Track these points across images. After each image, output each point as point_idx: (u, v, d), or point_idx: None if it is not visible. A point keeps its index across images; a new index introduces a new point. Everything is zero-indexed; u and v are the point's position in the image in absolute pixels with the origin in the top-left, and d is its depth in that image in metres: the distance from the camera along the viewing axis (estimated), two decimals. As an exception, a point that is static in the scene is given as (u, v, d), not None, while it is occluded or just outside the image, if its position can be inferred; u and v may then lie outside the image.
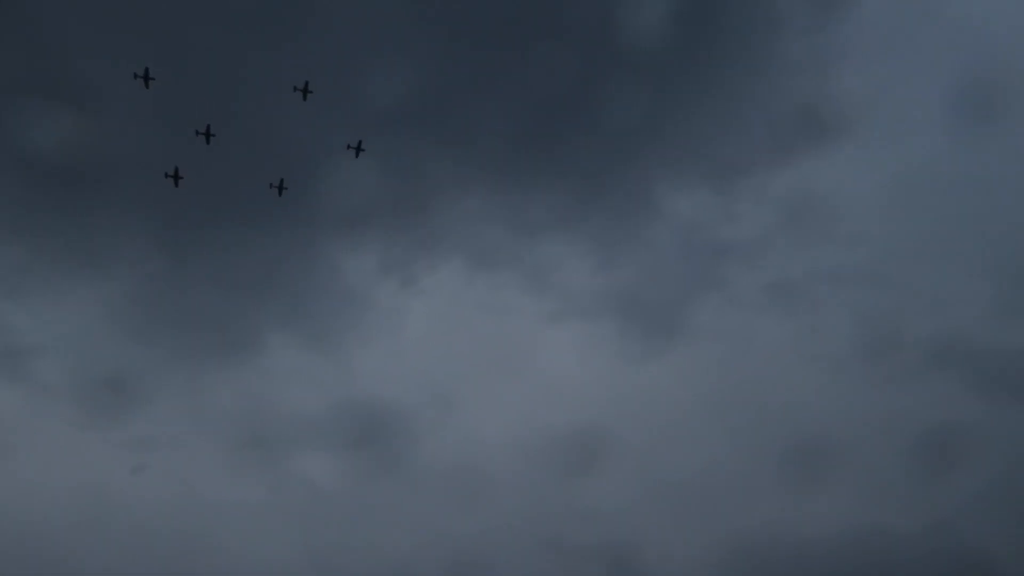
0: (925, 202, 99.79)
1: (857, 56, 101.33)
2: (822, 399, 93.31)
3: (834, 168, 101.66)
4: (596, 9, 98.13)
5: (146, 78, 77.10)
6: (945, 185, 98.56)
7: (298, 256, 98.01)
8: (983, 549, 78.85)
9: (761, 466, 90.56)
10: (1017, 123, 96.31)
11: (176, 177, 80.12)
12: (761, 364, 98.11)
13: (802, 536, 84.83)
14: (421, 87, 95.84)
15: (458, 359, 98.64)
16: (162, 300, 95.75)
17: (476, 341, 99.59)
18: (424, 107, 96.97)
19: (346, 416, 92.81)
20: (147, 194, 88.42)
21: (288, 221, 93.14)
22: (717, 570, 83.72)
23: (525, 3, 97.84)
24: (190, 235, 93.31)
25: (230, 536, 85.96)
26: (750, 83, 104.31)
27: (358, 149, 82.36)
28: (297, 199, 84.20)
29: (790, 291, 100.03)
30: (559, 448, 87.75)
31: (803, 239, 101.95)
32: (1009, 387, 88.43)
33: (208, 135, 79.06)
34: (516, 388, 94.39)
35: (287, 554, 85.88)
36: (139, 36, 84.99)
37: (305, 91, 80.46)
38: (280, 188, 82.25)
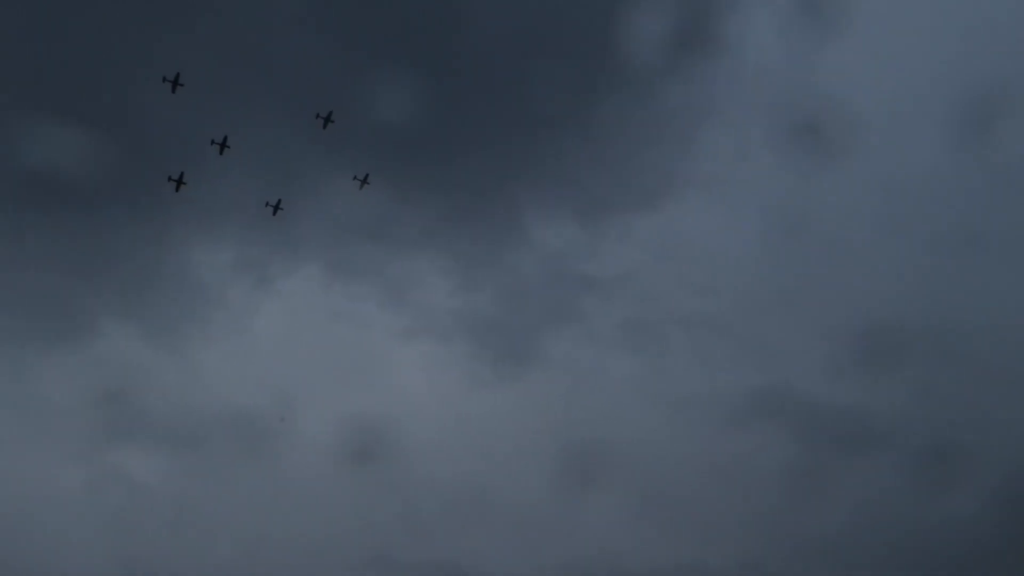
0: (778, 259, 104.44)
1: (729, 112, 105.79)
2: (660, 437, 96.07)
3: (697, 218, 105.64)
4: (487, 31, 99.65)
5: (175, 83, 76.68)
6: (801, 242, 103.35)
7: (148, 244, 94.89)
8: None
9: (596, 498, 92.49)
10: (866, 178, 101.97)
11: (179, 182, 79.01)
12: (607, 399, 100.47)
13: (627, 569, 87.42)
14: (301, 85, 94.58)
15: (304, 366, 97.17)
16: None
17: (325, 350, 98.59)
18: (303, 108, 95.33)
19: (181, 414, 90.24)
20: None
21: (142, 208, 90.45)
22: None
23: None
24: (31, 217, 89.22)
25: (39, 531, 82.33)
26: (627, 127, 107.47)
27: (223, 145, 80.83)
28: (158, 188, 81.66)
29: (643, 331, 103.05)
30: (394, 463, 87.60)
31: (661, 282, 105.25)
32: (831, 440, 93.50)
33: (224, 145, 78.91)
34: (360, 401, 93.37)
35: (100, 551, 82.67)
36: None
37: (175, 83, 78.46)
38: (179, 183, 79.87)
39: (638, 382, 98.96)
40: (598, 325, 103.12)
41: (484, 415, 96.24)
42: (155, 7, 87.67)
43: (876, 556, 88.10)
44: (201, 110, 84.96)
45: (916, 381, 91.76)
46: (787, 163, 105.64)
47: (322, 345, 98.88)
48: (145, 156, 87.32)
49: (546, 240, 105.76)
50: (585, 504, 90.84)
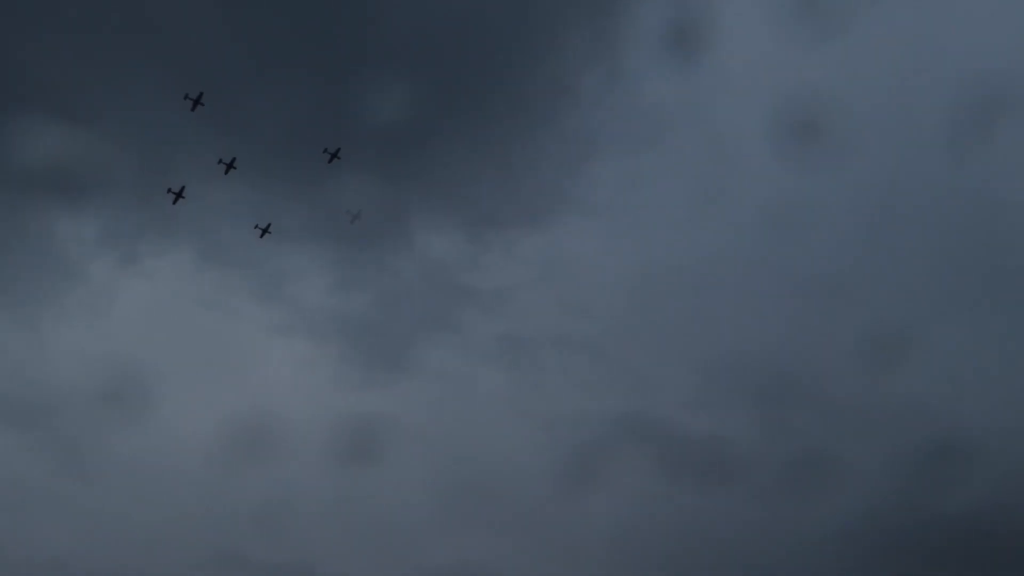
0: (655, 288, 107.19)
1: (621, 140, 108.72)
2: (525, 455, 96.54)
3: (581, 240, 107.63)
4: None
5: (196, 101, 76.44)
6: (677, 277, 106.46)
7: (9, 212, 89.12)
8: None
9: (458, 509, 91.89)
10: (744, 218, 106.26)
11: (178, 195, 78.58)
12: (476, 412, 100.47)
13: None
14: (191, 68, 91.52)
15: (166, 352, 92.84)
16: None
17: (189, 338, 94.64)
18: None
19: (26, 389, 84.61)
20: None
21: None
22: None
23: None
24: None
25: None
26: (522, 146, 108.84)
27: (230, 166, 79.92)
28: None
29: (517, 347, 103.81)
30: (252, 460, 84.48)
31: (539, 300, 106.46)
32: (691, 468, 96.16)
33: (231, 166, 78.53)
34: (222, 393, 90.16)
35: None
36: None
37: (197, 102, 77.64)
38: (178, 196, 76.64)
39: (508, 398, 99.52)
40: (474, 337, 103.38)
41: (351, 418, 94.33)
42: None
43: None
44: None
45: (772, 417, 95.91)
46: (672, 194, 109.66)
47: (186, 331, 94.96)
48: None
49: (430, 248, 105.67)
50: (446, 516, 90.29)
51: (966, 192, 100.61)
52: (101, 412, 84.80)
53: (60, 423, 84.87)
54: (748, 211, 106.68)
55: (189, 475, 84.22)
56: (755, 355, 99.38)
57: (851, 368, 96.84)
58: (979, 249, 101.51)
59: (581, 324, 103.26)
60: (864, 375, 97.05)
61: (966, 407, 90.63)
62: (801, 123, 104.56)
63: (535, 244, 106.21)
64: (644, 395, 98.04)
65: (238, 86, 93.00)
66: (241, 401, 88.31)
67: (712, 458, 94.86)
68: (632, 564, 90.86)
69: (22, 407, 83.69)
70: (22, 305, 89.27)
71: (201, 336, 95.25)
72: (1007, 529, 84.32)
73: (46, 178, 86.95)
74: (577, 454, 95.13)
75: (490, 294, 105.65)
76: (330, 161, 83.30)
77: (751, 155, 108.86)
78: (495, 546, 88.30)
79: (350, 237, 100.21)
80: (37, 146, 79.99)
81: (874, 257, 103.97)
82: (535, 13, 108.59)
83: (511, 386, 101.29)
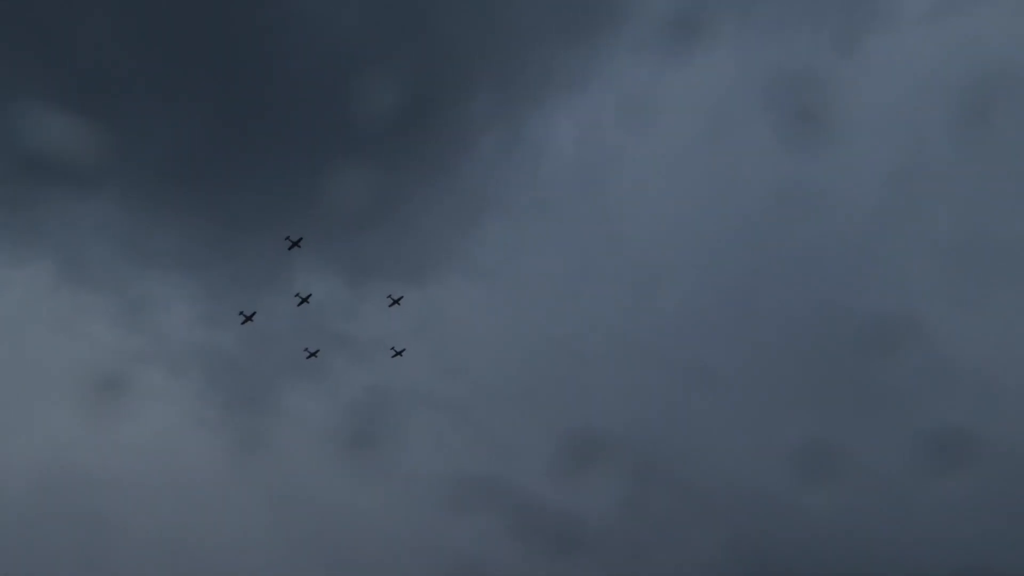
0: (529, 356, 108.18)
1: (515, 204, 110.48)
2: (379, 511, 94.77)
3: (462, 300, 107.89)
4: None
5: (295, 244, 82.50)
6: (551, 347, 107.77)
7: None
8: None
9: (305, 558, 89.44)
10: (628, 304, 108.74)
11: (295, 243, 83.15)
12: (334, 465, 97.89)
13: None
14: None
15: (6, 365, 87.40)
16: None
17: (38, 354, 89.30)
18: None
19: None
20: None
21: None
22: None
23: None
24: None
25: None
26: (415, 200, 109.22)
27: (295, 244, 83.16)
28: None
29: (384, 400, 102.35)
30: (86, 493, 79.87)
31: (413, 356, 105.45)
32: (544, 538, 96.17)
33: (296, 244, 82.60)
34: (63, 419, 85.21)
35: None
36: None
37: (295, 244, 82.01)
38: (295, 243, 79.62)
39: (368, 451, 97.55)
40: (342, 386, 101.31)
41: (199, 457, 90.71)
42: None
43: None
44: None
45: (628, 494, 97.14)
46: (557, 264, 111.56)
47: (35, 348, 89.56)
48: None
49: (309, 291, 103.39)
50: (293, 565, 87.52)
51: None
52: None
53: None
54: (627, 288, 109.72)
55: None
56: (618, 432, 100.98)
57: (711, 455, 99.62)
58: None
59: (450, 384, 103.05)
60: (721, 462, 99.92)
61: (803, 500, 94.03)
62: (691, 206, 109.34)
63: (415, 299, 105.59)
64: (503, 461, 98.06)
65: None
66: (81, 430, 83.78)
67: (564, 529, 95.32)
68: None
69: None
70: None
71: (51, 354, 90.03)
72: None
73: None
74: (435, 516, 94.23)
75: (365, 344, 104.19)
76: (290, 248, 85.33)
77: (637, 233, 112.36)
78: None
79: (224, 268, 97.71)
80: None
81: (747, 349, 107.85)
82: (443, 69, 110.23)
83: (373, 441, 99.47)
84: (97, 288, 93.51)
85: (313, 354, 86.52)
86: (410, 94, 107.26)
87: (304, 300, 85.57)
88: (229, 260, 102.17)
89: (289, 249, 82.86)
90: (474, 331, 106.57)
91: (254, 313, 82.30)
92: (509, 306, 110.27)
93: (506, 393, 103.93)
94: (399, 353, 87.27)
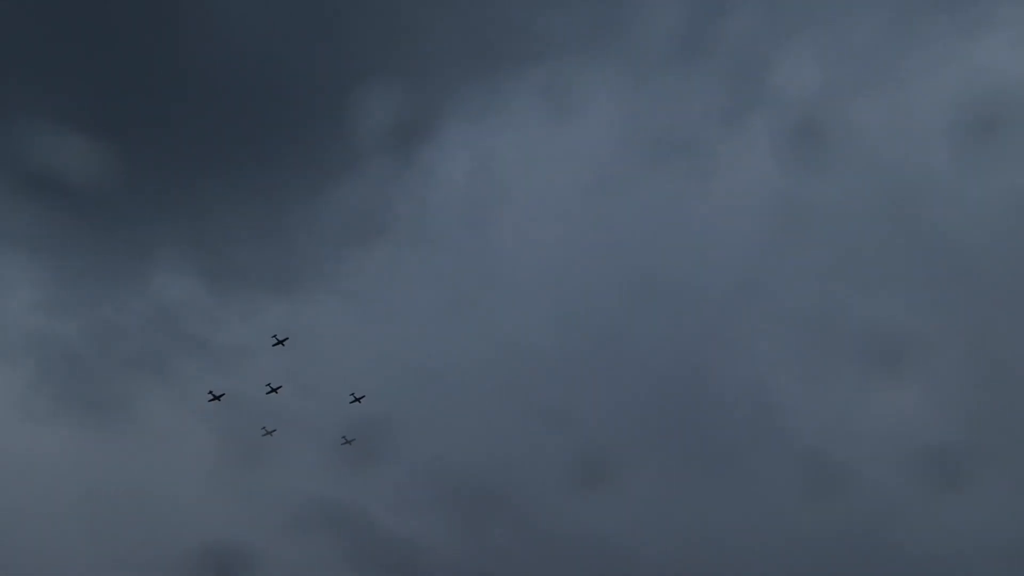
0: (386, 383, 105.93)
1: (384, 224, 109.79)
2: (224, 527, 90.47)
3: (328, 319, 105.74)
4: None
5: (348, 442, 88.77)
6: (410, 376, 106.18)
7: None
8: None
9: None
10: (492, 337, 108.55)
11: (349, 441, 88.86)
12: (175, 469, 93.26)
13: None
14: None
15: None
16: None
17: None
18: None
19: None
20: None
21: None
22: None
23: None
24: None
25: None
26: (294, 213, 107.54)
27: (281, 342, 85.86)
28: None
29: (232, 410, 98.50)
30: None
31: (270, 368, 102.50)
32: (383, 569, 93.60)
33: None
34: None
35: None
36: None
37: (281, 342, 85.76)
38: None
39: (208, 461, 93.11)
40: (192, 391, 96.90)
41: (23, 452, 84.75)
42: None
43: None
44: None
45: (472, 528, 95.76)
46: (431, 294, 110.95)
47: None
48: None
49: (167, 290, 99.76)
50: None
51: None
52: None
53: None
54: (498, 327, 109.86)
55: None
56: (466, 466, 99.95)
57: (559, 494, 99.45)
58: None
59: (304, 402, 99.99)
60: (570, 502, 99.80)
61: (649, 547, 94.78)
62: (571, 252, 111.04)
63: (279, 312, 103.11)
64: (347, 485, 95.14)
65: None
66: None
67: (405, 559, 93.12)
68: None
69: None
70: None
71: None
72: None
73: None
74: (272, 532, 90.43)
75: (220, 350, 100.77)
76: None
77: (514, 273, 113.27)
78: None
79: (75, 253, 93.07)
80: None
81: (611, 399, 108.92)
82: (341, 83, 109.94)
83: (216, 451, 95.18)
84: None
85: (269, 432, 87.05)
86: (301, 107, 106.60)
87: (280, 342, 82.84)
88: (81, 243, 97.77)
89: None
90: (336, 351, 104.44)
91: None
92: (376, 331, 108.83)
93: (356, 415, 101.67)
94: (281, 342, 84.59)
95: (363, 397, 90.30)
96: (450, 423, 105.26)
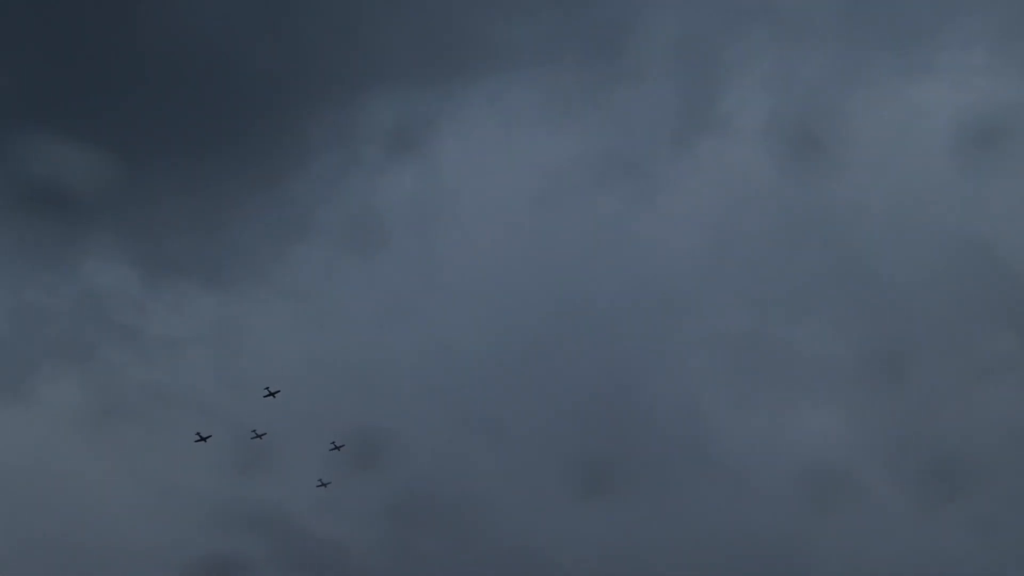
0: (315, 382, 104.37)
1: (326, 231, 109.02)
2: (129, 526, 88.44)
3: (261, 314, 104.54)
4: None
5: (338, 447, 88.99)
6: (338, 379, 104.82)
7: None
8: None
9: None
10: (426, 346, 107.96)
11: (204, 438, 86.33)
12: (83, 465, 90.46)
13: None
14: None
15: None
16: None
17: None
18: None
19: None
20: None
21: None
22: None
23: None
24: None
25: None
26: (234, 207, 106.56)
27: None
28: None
29: (157, 404, 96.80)
30: None
31: (197, 360, 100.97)
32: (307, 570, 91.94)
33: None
34: None
35: None
36: None
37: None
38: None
39: (125, 453, 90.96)
40: (115, 380, 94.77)
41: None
42: None
43: None
44: None
45: (399, 530, 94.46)
46: (370, 298, 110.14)
47: None
48: None
49: (96, 276, 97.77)
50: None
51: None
52: None
53: None
54: (435, 334, 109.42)
55: None
56: (401, 474, 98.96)
57: (487, 502, 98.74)
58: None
59: (229, 397, 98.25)
60: (498, 510, 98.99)
61: (572, 561, 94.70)
62: (512, 264, 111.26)
63: (210, 304, 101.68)
64: (270, 483, 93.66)
65: None
66: None
67: (329, 563, 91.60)
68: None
69: None
70: None
71: None
72: None
73: None
74: (193, 534, 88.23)
75: (149, 340, 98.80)
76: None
77: (454, 282, 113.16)
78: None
79: (2, 232, 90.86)
80: None
81: (523, 401, 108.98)
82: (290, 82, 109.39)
83: (132, 448, 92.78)
84: None
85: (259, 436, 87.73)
86: (250, 102, 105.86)
87: (323, 484, 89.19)
88: (16, 230, 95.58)
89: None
90: (267, 347, 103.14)
91: (209, 436, 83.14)
92: (310, 331, 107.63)
93: (288, 415, 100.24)
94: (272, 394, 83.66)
95: (278, 392, 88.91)
96: (379, 424, 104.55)
